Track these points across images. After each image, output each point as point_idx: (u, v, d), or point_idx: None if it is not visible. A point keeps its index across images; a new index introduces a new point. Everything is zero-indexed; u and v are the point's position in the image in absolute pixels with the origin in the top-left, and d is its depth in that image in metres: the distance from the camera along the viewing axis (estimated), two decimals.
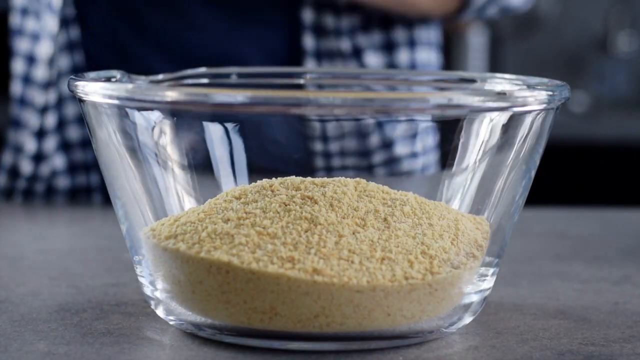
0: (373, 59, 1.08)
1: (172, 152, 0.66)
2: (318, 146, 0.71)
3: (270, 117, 0.65)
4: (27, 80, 1.10)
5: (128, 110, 0.63)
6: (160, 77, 0.75)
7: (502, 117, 0.63)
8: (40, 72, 1.09)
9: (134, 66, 0.86)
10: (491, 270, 0.65)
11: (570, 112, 2.47)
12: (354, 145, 0.94)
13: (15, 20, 1.11)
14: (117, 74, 0.70)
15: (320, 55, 1.05)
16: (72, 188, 1.14)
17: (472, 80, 0.77)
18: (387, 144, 0.82)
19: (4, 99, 1.31)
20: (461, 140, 0.65)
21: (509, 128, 0.64)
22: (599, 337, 0.65)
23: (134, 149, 0.64)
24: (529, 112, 0.63)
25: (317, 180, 0.64)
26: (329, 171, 0.73)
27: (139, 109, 0.63)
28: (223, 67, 0.79)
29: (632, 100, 2.76)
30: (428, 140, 0.71)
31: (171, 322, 0.64)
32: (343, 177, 0.65)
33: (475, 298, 0.64)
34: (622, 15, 2.79)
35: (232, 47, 1.07)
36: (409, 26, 1.09)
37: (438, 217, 0.64)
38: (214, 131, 0.67)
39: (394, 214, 0.62)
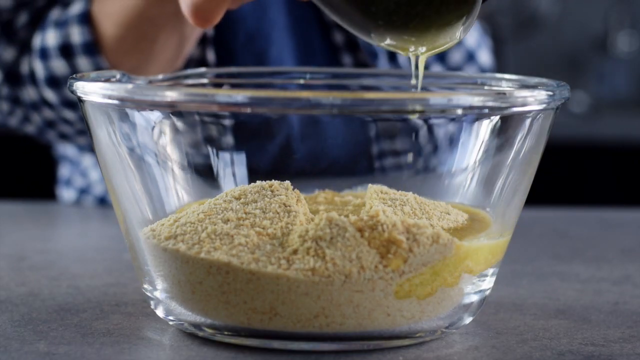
0: None
1: (172, 152, 0.66)
2: (320, 148, 0.71)
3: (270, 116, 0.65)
4: None
5: (128, 110, 0.63)
6: (160, 77, 0.75)
7: (502, 117, 0.63)
8: None
9: None
10: (491, 270, 0.65)
11: (570, 112, 2.47)
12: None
13: None
14: (117, 74, 0.70)
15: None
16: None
17: (472, 81, 0.77)
18: (387, 144, 0.82)
19: None
20: (461, 140, 0.65)
21: (509, 128, 0.64)
22: (599, 337, 0.65)
23: (134, 149, 0.64)
24: (529, 112, 0.63)
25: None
26: (329, 173, 0.73)
27: (139, 109, 0.63)
28: (223, 67, 0.79)
29: (632, 100, 2.76)
30: (427, 140, 0.71)
31: (171, 322, 0.64)
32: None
33: (475, 298, 0.64)
34: (622, 15, 2.79)
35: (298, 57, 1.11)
36: None
37: (438, 217, 0.64)
38: (213, 131, 0.67)
39: (395, 213, 0.62)
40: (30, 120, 1.04)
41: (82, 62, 0.96)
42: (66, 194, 1.23)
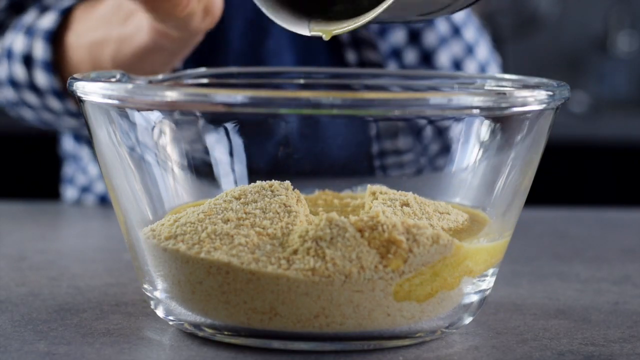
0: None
1: (172, 152, 0.66)
2: (320, 147, 0.71)
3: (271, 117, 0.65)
4: None
5: (128, 110, 0.63)
6: (160, 77, 0.75)
7: (502, 117, 0.63)
8: None
9: None
10: (491, 271, 0.65)
11: (570, 112, 2.47)
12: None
13: None
14: (117, 74, 0.70)
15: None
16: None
17: (472, 81, 0.77)
18: (387, 144, 0.82)
19: None
20: (461, 140, 0.65)
21: (509, 128, 0.64)
22: (599, 337, 0.65)
23: (134, 149, 0.64)
24: (529, 112, 0.63)
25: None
26: (329, 173, 0.73)
27: (139, 109, 0.63)
28: (223, 67, 0.79)
29: (632, 100, 2.76)
30: (428, 140, 0.71)
31: (171, 322, 0.64)
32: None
33: (475, 298, 0.64)
34: (622, 15, 2.79)
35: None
36: None
37: (438, 217, 0.64)
38: (213, 131, 0.67)
39: (394, 214, 0.62)
40: None
41: (40, 75, 0.97)
42: (69, 192, 1.24)
